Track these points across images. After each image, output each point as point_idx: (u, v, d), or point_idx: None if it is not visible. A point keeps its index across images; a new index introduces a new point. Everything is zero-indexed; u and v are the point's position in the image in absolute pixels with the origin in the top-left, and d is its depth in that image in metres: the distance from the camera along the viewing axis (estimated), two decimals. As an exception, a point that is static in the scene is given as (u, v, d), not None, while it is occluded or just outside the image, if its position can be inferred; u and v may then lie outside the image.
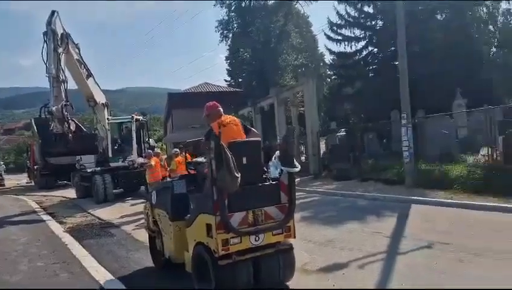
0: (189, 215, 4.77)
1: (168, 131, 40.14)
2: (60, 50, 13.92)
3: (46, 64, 13.56)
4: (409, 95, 12.08)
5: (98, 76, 16.92)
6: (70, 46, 14.83)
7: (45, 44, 13.76)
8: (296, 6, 37.53)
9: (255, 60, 29.22)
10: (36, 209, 14.43)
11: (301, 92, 20.19)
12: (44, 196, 19.81)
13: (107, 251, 7.49)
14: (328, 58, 36.42)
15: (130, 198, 15.79)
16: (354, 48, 27.94)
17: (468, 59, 24.97)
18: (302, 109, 22.71)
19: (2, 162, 43.68)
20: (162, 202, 5.48)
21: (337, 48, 29.26)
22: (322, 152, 18.35)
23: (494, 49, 33.82)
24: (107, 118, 16.78)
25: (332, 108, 33.87)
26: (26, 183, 30.65)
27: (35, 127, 25.03)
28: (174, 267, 5.38)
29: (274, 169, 4.67)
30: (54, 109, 13.16)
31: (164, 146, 37.51)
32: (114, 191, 15.85)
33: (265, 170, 4.72)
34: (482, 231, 7.00)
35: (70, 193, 18.62)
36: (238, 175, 4.01)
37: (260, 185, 4.51)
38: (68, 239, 8.69)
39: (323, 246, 6.71)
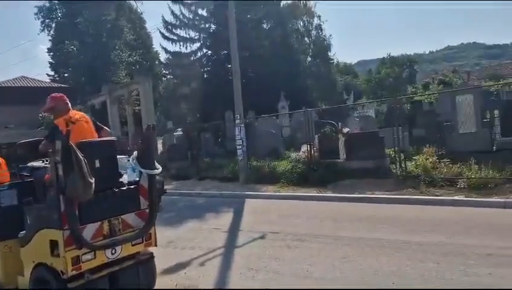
0: (23, 232, 4.03)
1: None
2: None
3: None
4: (241, 97, 12.92)
5: None
6: None
7: None
8: (128, 1, 36.15)
9: (84, 54, 26.93)
10: None
11: (136, 90, 19.59)
12: None
13: None
14: (163, 56, 36.11)
15: None
16: (189, 49, 28.43)
17: (289, 66, 28.10)
18: (137, 107, 22.05)
19: None
20: None
21: (172, 47, 29.30)
22: (159, 152, 18.15)
23: (309, 59, 38.86)
24: None
25: (169, 107, 33.82)
26: None
27: None
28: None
29: (131, 171, 4.28)
30: None
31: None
32: None
33: (121, 173, 4.33)
34: (306, 219, 7.98)
35: None
36: (92, 181, 3.52)
37: (116, 190, 4.05)
38: None
39: (164, 248, 6.67)
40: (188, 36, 28.00)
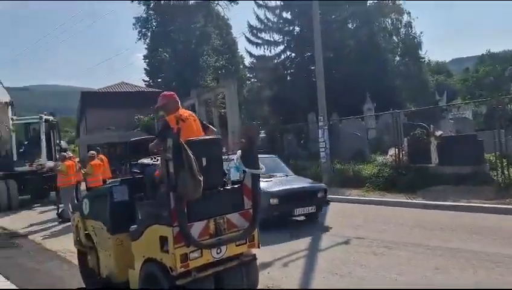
0: (134, 226, 4.07)
1: (81, 132, 37.73)
2: None
3: None
4: (325, 99, 12.74)
5: None
6: None
7: None
8: (216, 7, 37.69)
9: (175, 60, 28.69)
10: None
11: (222, 93, 20.31)
12: None
13: (14, 263, 6.82)
14: (248, 60, 37.03)
15: (38, 205, 14.58)
16: (273, 52, 28.80)
17: (375, 66, 27.07)
18: (223, 110, 22.83)
19: None
20: (97, 212, 4.68)
21: (257, 51, 29.98)
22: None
23: (397, 58, 37.04)
24: (12, 118, 15.30)
25: (252, 110, 34.56)
26: None
27: None
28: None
29: (235, 171, 4.25)
30: None
31: (77, 148, 35.22)
32: (20, 197, 14.52)
33: (226, 172, 4.29)
34: (393, 225, 7.60)
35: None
36: (201, 179, 3.49)
37: (221, 189, 4.00)
38: (-34, 253, 7.76)
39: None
40: (272, 39, 28.42)
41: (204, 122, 4.42)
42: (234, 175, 4.34)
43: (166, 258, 3.58)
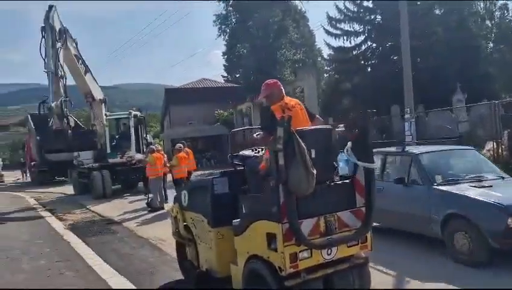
0: (237, 220, 3.90)
1: (165, 127, 39.90)
2: (58, 45, 13.63)
3: (44, 59, 13.26)
4: (412, 90, 11.99)
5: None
6: (68, 42, 14.56)
7: (43, 39, 13.44)
8: (294, 1, 37.43)
9: (253, 55, 29.03)
10: (35, 206, 14.22)
11: (300, 87, 20.18)
12: (42, 192, 19.55)
13: (111, 248, 7.34)
14: (326, 52, 36.31)
15: (128, 194, 15.65)
16: (353, 43, 27.89)
17: (466, 54, 24.97)
18: (301, 104, 22.69)
19: (0, 159, 43.49)
20: (197, 204, 4.60)
21: (336, 42, 29.24)
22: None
23: (491, 44, 33.86)
24: (105, 114, 16.57)
25: (330, 103, 33.81)
26: (17, 180, 30.32)
27: (31, 123, 24.71)
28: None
29: (344, 164, 4.02)
30: (53, 105, 12.87)
31: (162, 142, 37.34)
32: (112, 187, 15.70)
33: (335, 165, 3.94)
34: None
35: (68, 189, 18.41)
36: (315, 172, 3.20)
37: (332, 184, 3.67)
38: (70, 236, 8.52)
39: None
40: (352, 29, 27.49)
41: (311, 112, 4.08)
42: (343, 169, 4.04)
43: (274, 256, 3.36)
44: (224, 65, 46.12)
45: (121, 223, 9.74)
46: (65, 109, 13.26)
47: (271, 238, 3.39)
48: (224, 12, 33.00)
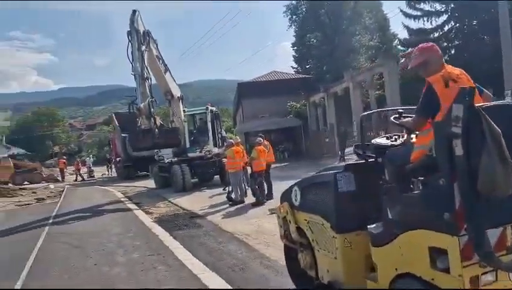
0: (374, 226, 3.17)
1: (237, 121, 40.43)
2: (143, 48, 14.06)
3: (131, 63, 13.74)
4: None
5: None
6: (151, 43, 15.00)
7: (129, 43, 13.92)
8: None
9: (325, 44, 28.28)
10: (122, 199, 15.01)
11: (378, 73, 19.11)
12: (127, 186, 20.71)
13: (198, 242, 7.33)
14: (402, 36, 34.23)
15: (205, 187, 15.91)
16: (434, 24, 25.92)
17: None
18: (378, 92, 21.53)
19: (91, 156, 47.27)
20: (314, 203, 3.81)
21: (415, 24, 27.39)
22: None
23: None
24: (183, 110, 16.99)
25: (408, 90, 31.86)
26: (102, 175, 32.49)
27: (116, 122, 26.29)
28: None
29: None
30: (141, 106, 13.40)
31: (236, 136, 37.89)
32: (191, 180, 16.08)
33: None
34: None
35: (150, 183, 19.26)
36: None
37: None
38: (158, 230, 8.74)
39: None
40: (433, 9, 25.52)
41: (477, 85, 3.00)
42: None
43: (443, 279, 2.54)
44: (293, 56, 45.79)
45: (204, 217, 9.79)
46: (152, 109, 13.75)
47: (437, 254, 2.59)
48: (294, 2, 32.50)
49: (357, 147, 3.85)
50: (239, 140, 13.84)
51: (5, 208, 15.58)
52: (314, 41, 36.55)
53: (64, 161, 33.86)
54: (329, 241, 3.57)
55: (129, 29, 13.96)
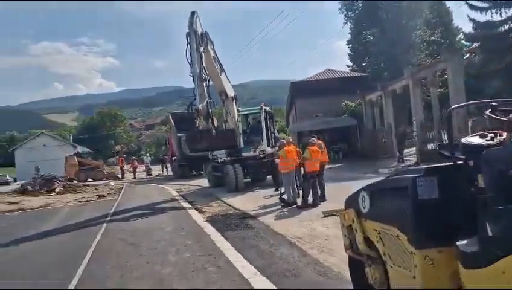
0: (469, 243, 2.62)
1: (290, 121, 40.08)
2: (201, 49, 14.16)
3: (190, 64, 13.85)
4: None
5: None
6: (208, 45, 15.08)
7: (188, 45, 14.03)
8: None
9: (383, 41, 27.18)
10: (177, 198, 15.29)
11: (440, 70, 17.97)
12: (182, 185, 21.17)
13: (250, 244, 7.17)
14: (467, 30, 32.08)
15: (258, 187, 15.79)
16: (504, 15, 24.01)
17: None
18: (440, 90, 20.29)
19: (148, 155, 49.21)
20: (386, 211, 3.33)
21: (481, 17, 25.55)
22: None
23: None
24: (237, 110, 17.00)
25: (474, 87, 29.80)
26: (158, 174, 33.47)
27: (172, 122, 27.01)
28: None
29: None
30: (200, 106, 13.34)
31: (288, 136, 37.59)
32: (244, 180, 16.02)
33: None
34: None
35: (204, 182, 19.50)
36: None
37: None
38: (209, 229, 8.71)
39: None
40: (503, 0, 23.65)
41: None
42: None
43: None
44: (348, 54, 44.67)
45: (256, 218, 9.64)
46: (210, 110, 13.78)
47: None
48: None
49: (442, 147, 3.30)
50: (291, 140, 13.58)
51: (69, 203, 16.47)
52: (371, 38, 35.34)
53: (122, 159, 35.41)
54: (406, 257, 3.05)
55: (188, 31, 14.06)
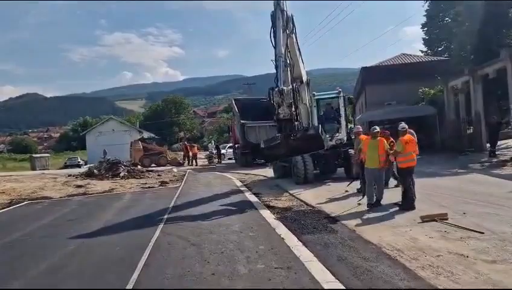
0: None
1: (357, 110, 37.67)
2: (288, 32, 12.65)
3: (274, 46, 12.03)
4: None
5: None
6: (294, 29, 13.46)
7: (272, 28, 12.35)
8: None
9: (468, 21, 24.10)
10: (242, 189, 14.19)
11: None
12: (246, 173, 20.14)
13: (336, 255, 5.76)
14: None
15: (329, 181, 14.31)
16: None
17: None
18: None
19: (212, 141, 49.31)
20: None
21: None
22: None
23: None
24: (313, 94, 15.49)
25: None
26: (214, 161, 32.87)
27: (236, 108, 26.01)
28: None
29: None
30: (285, 89, 10.97)
31: (356, 125, 35.32)
32: (313, 172, 14.56)
33: None
34: None
35: (268, 172, 18.32)
36: None
37: None
38: (282, 230, 7.41)
39: None
40: None
41: None
42: None
43: None
44: (423, 39, 41.13)
45: (336, 219, 8.18)
46: (298, 96, 12.06)
47: None
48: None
49: None
50: (360, 129, 11.84)
51: (132, 189, 16.04)
52: (449, 20, 31.93)
53: (187, 145, 35.24)
54: None
55: (273, 10, 12.43)
